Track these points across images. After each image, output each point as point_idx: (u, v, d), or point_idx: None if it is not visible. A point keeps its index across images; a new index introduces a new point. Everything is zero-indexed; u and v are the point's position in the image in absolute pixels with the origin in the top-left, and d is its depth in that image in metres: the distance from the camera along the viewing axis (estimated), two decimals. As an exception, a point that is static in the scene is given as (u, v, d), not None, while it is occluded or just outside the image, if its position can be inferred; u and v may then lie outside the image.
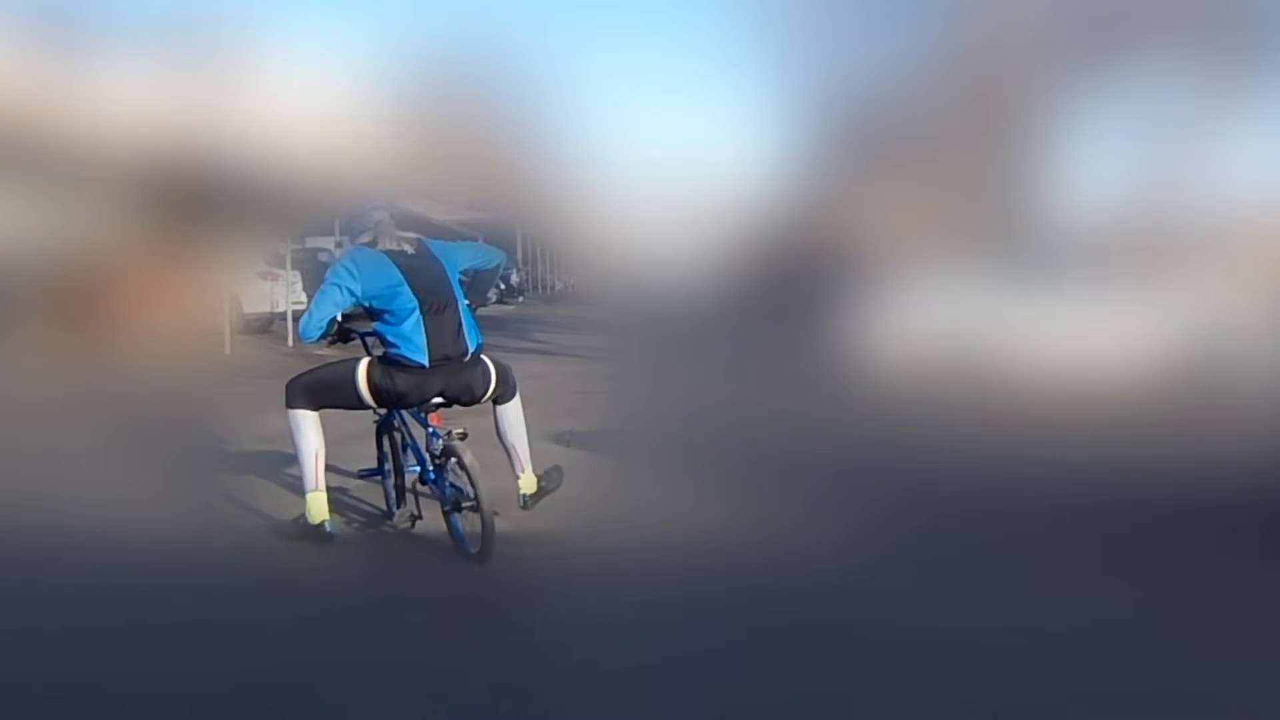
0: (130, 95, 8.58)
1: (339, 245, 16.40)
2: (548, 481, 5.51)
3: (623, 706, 3.59)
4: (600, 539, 5.42)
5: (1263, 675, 3.77)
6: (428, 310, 4.96)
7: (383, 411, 5.29)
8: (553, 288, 37.39)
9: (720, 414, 9.43)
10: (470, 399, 5.19)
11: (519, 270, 31.89)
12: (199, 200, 8.96)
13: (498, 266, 5.60)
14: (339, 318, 5.11)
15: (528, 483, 5.40)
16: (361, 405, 5.14)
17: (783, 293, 9.16)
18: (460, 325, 5.05)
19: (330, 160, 9.69)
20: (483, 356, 5.21)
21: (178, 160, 8.69)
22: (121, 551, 5.03)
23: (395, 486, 5.41)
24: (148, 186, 8.66)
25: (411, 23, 10.86)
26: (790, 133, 8.70)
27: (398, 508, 5.39)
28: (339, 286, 4.95)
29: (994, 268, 7.62)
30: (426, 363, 4.94)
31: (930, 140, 7.92)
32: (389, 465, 5.47)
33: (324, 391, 5.11)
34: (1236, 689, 3.68)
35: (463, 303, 5.11)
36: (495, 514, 4.81)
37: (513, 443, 5.38)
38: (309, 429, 5.04)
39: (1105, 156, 7.25)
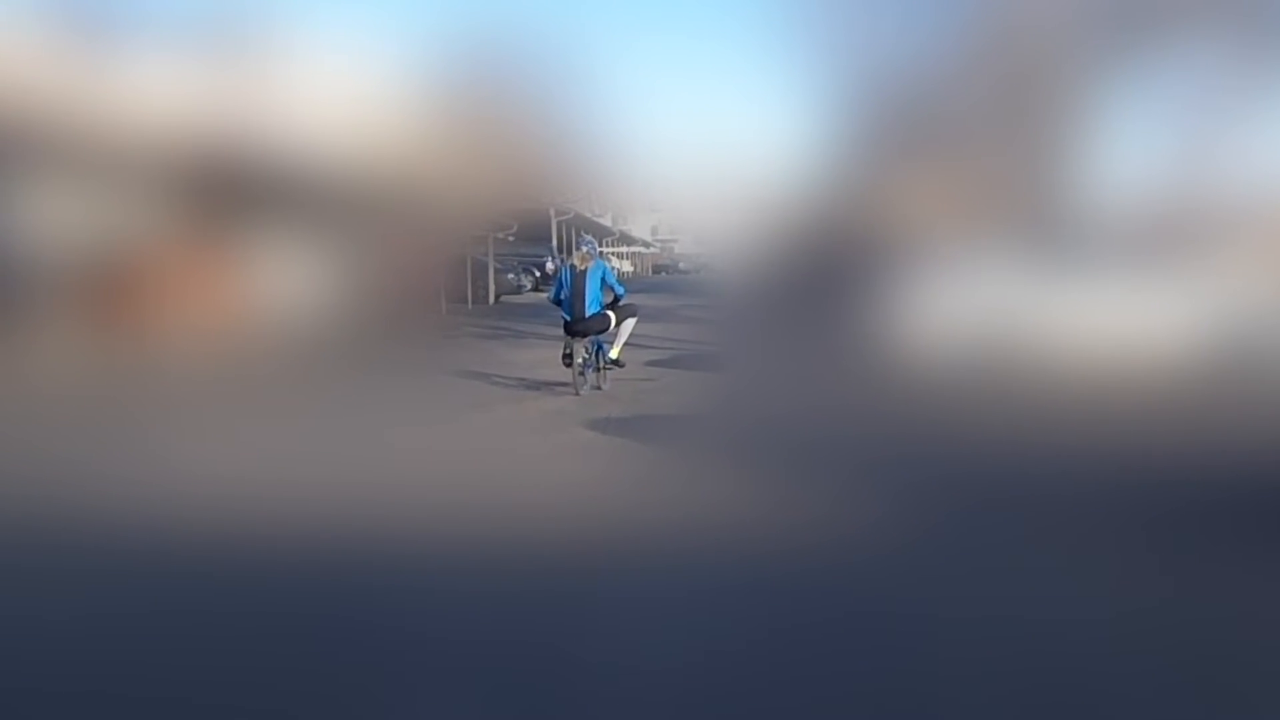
0: (163, 86, 8.67)
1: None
2: (619, 360, 10.92)
3: (646, 708, 3.54)
4: (630, 528, 5.46)
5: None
6: (573, 295, 10.68)
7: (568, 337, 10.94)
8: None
9: (755, 401, 9.45)
10: (596, 333, 10.72)
11: (554, 258, 31.91)
12: (235, 192, 9.05)
13: (619, 296, 10.95)
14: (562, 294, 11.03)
15: (616, 352, 10.88)
16: (569, 339, 10.75)
17: (817, 279, 9.16)
18: (585, 302, 10.61)
19: (363, 149, 9.79)
20: (605, 313, 10.75)
21: (211, 151, 8.78)
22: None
23: (580, 372, 10.55)
24: (182, 178, 8.76)
25: (444, 9, 10.90)
26: (824, 118, 8.68)
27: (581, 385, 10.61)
28: (558, 281, 11.00)
29: (1029, 253, 7.58)
30: (570, 319, 10.65)
31: (964, 126, 7.89)
32: (579, 361, 10.63)
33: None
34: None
35: (593, 293, 10.64)
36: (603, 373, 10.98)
37: (618, 333, 10.92)
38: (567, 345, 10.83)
39: (1140, 141, 7.20)
